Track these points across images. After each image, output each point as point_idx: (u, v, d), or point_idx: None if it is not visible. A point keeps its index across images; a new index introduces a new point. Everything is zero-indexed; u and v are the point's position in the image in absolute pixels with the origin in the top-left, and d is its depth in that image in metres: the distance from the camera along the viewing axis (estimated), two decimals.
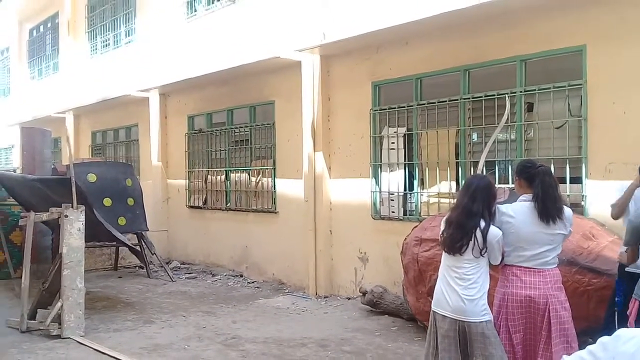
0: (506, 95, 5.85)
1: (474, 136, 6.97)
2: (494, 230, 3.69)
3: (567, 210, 3.87)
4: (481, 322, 3.57)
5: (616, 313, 4.30)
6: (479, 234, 3.61)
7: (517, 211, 3.80)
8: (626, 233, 4.04)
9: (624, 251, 4.28)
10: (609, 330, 4.24)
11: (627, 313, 3.98)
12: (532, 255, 3.74)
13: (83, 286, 6.14)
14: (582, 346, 4.95)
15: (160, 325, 6.63)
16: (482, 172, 4.93)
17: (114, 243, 9.32)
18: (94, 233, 6.35)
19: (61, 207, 6.16)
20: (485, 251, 3.63)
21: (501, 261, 3.78)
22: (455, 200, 3.95)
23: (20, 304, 6.30)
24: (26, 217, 6.51)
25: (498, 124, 6.60)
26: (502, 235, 3.71)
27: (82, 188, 6.41)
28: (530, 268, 3.74)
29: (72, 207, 6.17)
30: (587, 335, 5.17)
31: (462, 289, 3.61)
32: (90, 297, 7.73)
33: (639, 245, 3.98)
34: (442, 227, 3.83)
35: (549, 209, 3.71)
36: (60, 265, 6.05)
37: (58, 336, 5.95)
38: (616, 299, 4.35)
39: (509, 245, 3.74)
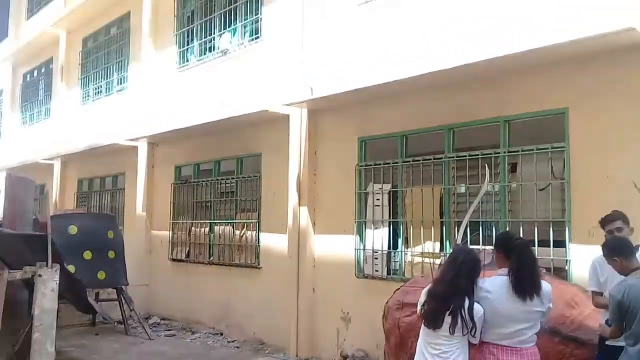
0: (486, 165, 5.76)
1: (462, 188, 6.87)
2: (477, 307, 3.56)
3: (545, 286, 3.75)
4: None
5: None
6: (465, 312, 3.47)
7: (493, 286, 3.68)
8: (610, 310, 3.89)
9: (604, 323, 4.14)
10: None
11: None
12: (509, 333, 3.60)
13: (53, 351, 5.89)
14: None
15: None
16: (461, 239, 4.83)
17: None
18: (63, 293, 6.15)
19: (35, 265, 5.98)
20: (474, 330, 3.49)
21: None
22: (439, 271, 3.84)
23: None
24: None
25: (482, 183, 6.56)
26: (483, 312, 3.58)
27: (57, 247, 6.23)
28: (507, 347, 3.60)
29: (47, 265, 5.98)
30: None
31: None
32: (63, 359, 7.43)
33: (623, 322, 3.82)
34: (423, 299, 3.70)
35: (524, 284, 3.60)
36: (31, 328, 5.82)
37: None
38: None
39: (485, 321, 3.60)
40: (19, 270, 6.10)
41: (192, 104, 10.35)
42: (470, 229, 6.56)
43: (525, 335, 3.62)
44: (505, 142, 6.33)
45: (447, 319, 3.51)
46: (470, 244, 6.44)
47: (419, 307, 3.74)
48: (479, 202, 5.50)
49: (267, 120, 8.90)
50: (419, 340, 3.71)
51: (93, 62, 14.39)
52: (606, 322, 4.21)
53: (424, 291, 3.75)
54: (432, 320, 3.57)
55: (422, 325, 3.67)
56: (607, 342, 4.14)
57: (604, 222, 4.51)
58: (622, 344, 3.96)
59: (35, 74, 18.10)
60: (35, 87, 17.95)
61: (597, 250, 4.71)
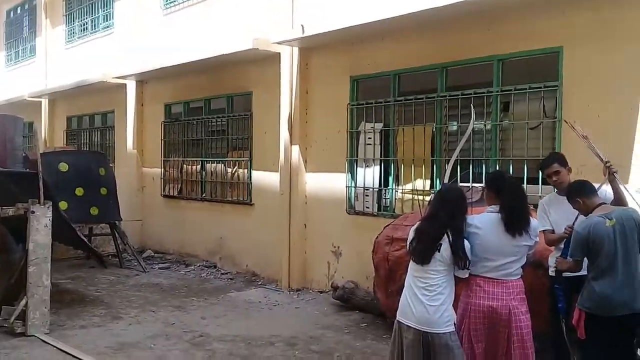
0: (471, 106, 5.76)
1: (454, 127, 6.91)
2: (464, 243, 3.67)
3: (533, 221, 3.86)
4: (445, 333, 3.56)
5: (563, 323, 4.30)
6: (446, 246, 3.58)
7: (483, 222, 3.78)
8: (573, 245, 4.03)
9: (561, 257, 4.29)
10: (559, 339, 4.29)
11: (573, 323, 3.99)
12: (496, 266, 3.73)
13: (49, 283, 6.03)
14: (545, 347, 4.98)
15: (128, 321, 6.55)
16: (449, 177, 4.91)
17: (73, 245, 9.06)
18: (55, 232, 6.21)
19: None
20: (462, 263, 3.60)
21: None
22: (427, 208, 3.91)
23: None
24: None
25: (470, 119, 6.60)
26: (470, 247, 3.68)
27: (48, 184, 6.24)
28: (494, 279, 3.74)
29: (39, 202, 6.02)
30: (546, 336, 5.25)
31: (427, 299, 3.59)
32: (59, 290, 7.62)
33: (584, 257, 3.98)
34: (411, 236, 3.80)
35: (515, 222, 3.71)
36: (27, 262, 5.92)
37: (22, 334, 5.82)
38: (559, 304, 4.35)
39: (475, 255, 3.73)
40: (11, 207, 6.13)
41: (181, 41, 10.16)
42: (460, 167, 6.66)
43: (511, 269, 3.75)
44: (499, 81, 6.33)
45: (432, 253, 3.61)
46: (460, 182, 6.54)
47: (407, 244, 3.84)
48: (466, 141, 5.56)
49: (258, 59, 8.79)
50: (407, 276, 3.81)
51: None
52: (561, 254, 4.37)
53: (412, 229, 3.83)
54: (419, 256, 3.66)
55: (411, 261, 3.77)
56: (564, 274, 4.31)
57: (542, 167, 4.72)
58: (578, 274, 4.13)
59: (18, 10, 17.54)
60: (20, 25, 17.43)
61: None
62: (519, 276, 3.88)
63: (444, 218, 3.66)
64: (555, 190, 4.77)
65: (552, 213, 4.59)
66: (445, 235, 3.62)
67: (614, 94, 5.44)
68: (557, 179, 4.59)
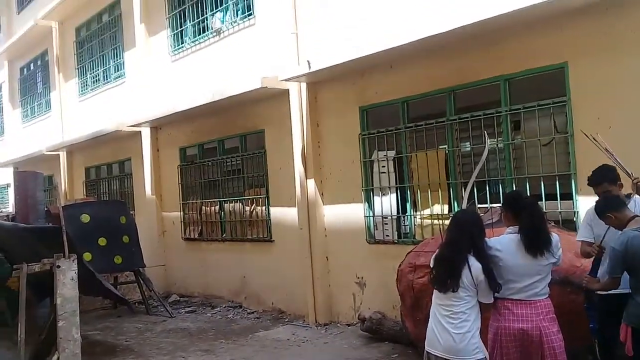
0: (485, 132, 5.76)
1: (466, 147, 6.93)
2: (477, 264, 3.67)
3: (554, 238, 3.85)
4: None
5: (596, 343, 4.25)
6: (466, 272, 3.58)
7: (503, 244, 3.79)
8: (610, 262, 3.97)
9: (589, 275, 4.25)
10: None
11: (621, 339, 3.94)
12: (522, 287, 3.72)
13: (79, 336, 6.07)
14: None
15: None
16: (467, 200, 4.93)
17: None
18: (81, 285, 6.29)
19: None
20: (475, 288, 3.61)
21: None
22: (444, 235, 3.92)
23: (18, 355, 6.24)
24: (19, 268, 6.44)
25: (484, 143, 6.63)
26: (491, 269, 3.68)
27: (71, 237, 6.35)
28: (521, 300, 3.72)
29: (64, 256, 6.12)
30: (586, 352, 5.16)
31: (452, 327, 3.58)
32: (88, 342, 7.67)
33: (622, 273, 3.94)
34: (432, 264, 3.81)
35: (535, 242, 3.71)
36: (55, 317, 5.99)
37: None
38: (590, 325, 4.30)
39: (499, 277, 3.72)
40: (37, 263, 6.24)
41: (192, 86, 10.40)
42: (477, 188, 6.68)
43: (538, 288, 3.74)
44: (507, 101, 6.38)
45: (454, 279, 3.60)
46: (478, 204, 6.55)
47: (429, 273, 3.86)
48: (483, 164, 5.58)
49: (267, 97, 8.94)
50: (432, 305, 3.81)
51: (88, 51, 14.34)
52: (589, 273, 4.32)
53: (432, 257, 3.85)
54: (441, 283, 3.66)
55: (434, 290, 3.77)
56: (600, 292, 4.25)
57: (590, 184, 4.54)
58: (619, 291, 4.07)
59: (31, 67, 18.08)
60: (33, 80, 17.94)
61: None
62: (547, 295, 3.86)
63: (463, 243, 3.66)
64: None
65: (594, 226, 4.44)
66: (466, 261, 3.62)
67: (622, 104, 5.45)
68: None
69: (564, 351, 3.75)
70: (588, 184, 4.57)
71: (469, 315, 3.60)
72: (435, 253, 3.82)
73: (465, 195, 4.99)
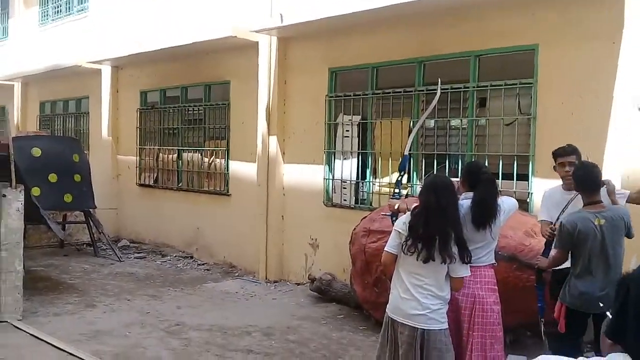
0: (438, 79, 5.62)
1: (431, 122, 6.98)
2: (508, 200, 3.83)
3: (508, 202, 3.93)
4: (441, 329, 3.54)
5: (542, 322, 4.41)
6: (452, 241, 3.52)
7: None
8: (559, 237, 4.06)
9: (542, 256, 4.39)
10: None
11: (555, 316, 4.10)
12: None
13: (22, 269, 5.95)
14: (519, 339, 5.10)
15: (103, 309, 6.51)
16: (409, 150, 4.84)
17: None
18: (27, 213, 6.13)
19: None
20: (455, 258, 3.50)
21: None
22: (417, 202, 3.70)
23: None
24: None
25: (450, 117, 6.70)
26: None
27: (20, 168, 6.15)
28: None
29: (11, 186, 5.93)
30: (524, 328, 5.38)
31: (423, 297, 3.51)
32: (32, 277, 7.52)
33: (569, 250, 4.06)
34: (404, 231, 3.58)
35: (482, 217, 3.75)
36: None
37: None
38: (538, 305, 4.45)
39: None
40: None
41: (158, 28, 10.02)
42: (436, 162, 6.76)
43: (479, 255, 3.77)
44: (475, 77, 6.42)
45: (437, 251, 3.47)
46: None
47: (397, 240, 3.61)
48: (424, 121, 5.62)
49: (236, 47, 8.75)
50: (397, 270, 3.65)
51: None
52: (542, 253, 4.46)
53: (404, 222, 3.62)
54: (424, 253, 3.47)
55: (405, 256, 3.56)
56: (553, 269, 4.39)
57: (559, 154, 4.55)
58: (561, 268, 4.21)
59: None
60: None
61: (557, 184, 4.95)
62: (489, 264, 3.90)
63: (444, 211, 3.52)
64: (562, 185, 4.59)
65: (553, 207, 4.50)
66: (447, 228, 3.51)
67: (587, 91, 5.56)
68: (570, 171, 4.38)
69: (497, 322, 3.81)
70: (554, 153, 4.59)
71: (446, 285, 3.58)
72: (410, 220, 3.59)
73: (409, 140, 4.95)
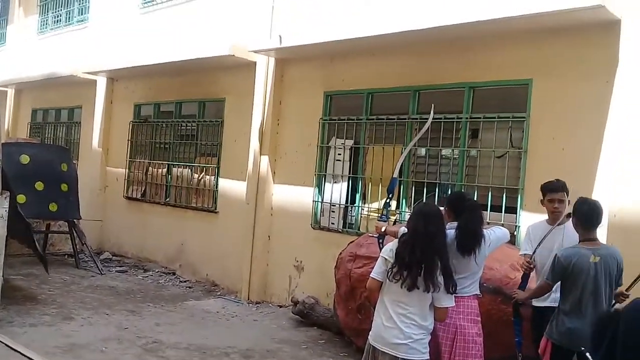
0: (432, 105, 5.60)
1: (422, 151, 7.00)
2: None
3: (484, 248, 3.88)
4: (422, 359, 3.51)
5: (520, 357, 4.36)
6: (438, 271, 3.50)
7: None
8: (551, 268, 4.00)
9: (518, 289, 4.36)
10: None
11: (540, 352, 4.04)
12: None
13: (1, 278, 5.83)
14: None
15: (80, 322, 6.37)
16: (398, 173, 4.85)
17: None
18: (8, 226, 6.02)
19: None
20: (440, 287, 3.49)
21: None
22: (406, 230, 3.69)
23: None
24: None
25: (442, 146, 6.71)
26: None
27: (6, 173, 6.07)
28: None
29: None
30: None
31: (405, 326, 3.48)
32: (10, 286, 7.38)
33: (557, 283, 4.03)
34: (390, 258, 3.56)
35: (466, 242, 3.75)
36: None
37: None
38: (516, 339, 4.40)
39: None
40: None
41: (157, 42, 10.07)
42: (426, 190, 6.76)
43: (463, 285, 3.76)
44: (468, 108, 6.45)
45: (421, 279, 3.44)
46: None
47: (383, 267, 3.59)
48: (414, 145, 5.74)
49: (233, 66, 8.77)
50: (382, 298, 3.61)
51: None
52: (519, 286, 4.42)
53: (390, 250, 3.61)
54: (409, 281, 3.45)
55: (390, 284, 3.55)
56: (534, 303, 4.36)
57: (549, 189, 4.53)
58: (547, 304, 4.19)
59: None
60: None
61: (545, 218, 4.94)
62: (473, 295, 3.88)
63: (432, 240, 3.50)
64: (547, 219, 4.56)
65: (534, 242, 4.48)
66: (433, 257, 3.48)
67: (578, 128, 5.60)
68: (559, 207, 4.42)
69: (479, 354, 3.79)
70: (542, 188, 4.57)
71: (429, 315, 3.53)
72: (397, 247, 3.58)
73: (399, 163, 4.95)
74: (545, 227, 4.51)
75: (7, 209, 5.90)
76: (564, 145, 5.67)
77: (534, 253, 4.34)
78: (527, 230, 4.76)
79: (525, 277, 4.36)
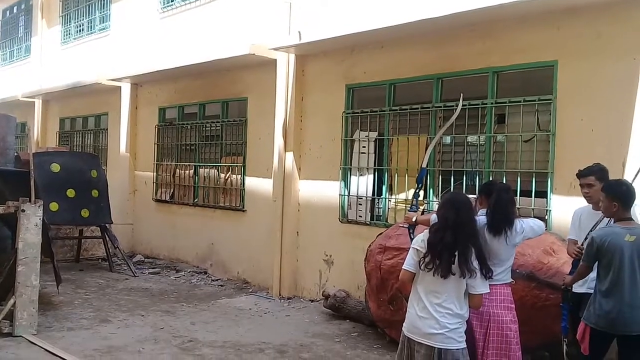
0: (461, 94, 5.62)
1: (447, 139, 6.94)
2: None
3: (518, 223, 3.86)
4: (458, 349, 3.47)
5: (565, 342, 4.30)
6: (471, 257, 3.48)
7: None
8: (587, 250, 3.98)
9: (570, 274, 4.30)
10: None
11: (577, 337, 3.98)
12: None
13: (38, 283, 5.96)
14: None
15: (117, 324, 6.49)
16: (427, 163, 4.84)
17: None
18: None
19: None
20: (476, 272, 3.47)
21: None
22: (436, 219, 3.67)
23: None
24: None
25: (468, 133, 6.64)
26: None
27: (38, 184, 6.20)
28: None
29: (30, 201, 5.97)
30: (543, 349, 5.24)
31: (441, 316, 3.45)
32: (48, 291, 7.54)
33: (594, 264, 3.97)
34: (422, 249, 3.55)
35: (496, 221, 3.73)
36: (16, 261, 5.86)
37: (9, 334, 5.75)
38: (562, 324, 4.34)
39: None
40: (1, 205, 6.08)
41: (177, 45, 10.18)
42: (453, 178, 6.69)
43: (496, 271, 3.70)
44: (493, 93, 6.37)
45: (456, 266, 3.42)
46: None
47: (415, 258, 3.57)
48: (441, 135, 5.68)
49: (254, 65, 8.81)
50: (416, 289, 3.59)
51: None
52: (569, 273, 4.36)
53: (422, 240, 3.58)
54: (443, 269, 3.42)
55: (424, 273, 3.52)
56: (573, 290, 4.30)
57: (577, 175, 4.58)
58: (584, 290, 4.15)
59: (15, 10, 17.49)
60: (15, 24, 17.38)
61: (577, 201, 4.88)
62: (506, 282, 3.85)
63: (464, 227, 3.48)
64: (591, 205, 4.52)
65: (582, 227, 4.44)
66: (465, 244, 3.47)
67: (607, 108, 5.48)
68: (589, 192, 4.41)
69: (515, 342, 3.75)
70: (577, 174, 4.58)
71: (465, 303, 3.50)
72: (428, 237, 3.55)
73: (427, 153, 4.93)
74: (590, 212, 4.48)
75: (41, 217, 6.03)
76: (593, 127, 5.55)
77: (585, 239, 4.23)
78: (573, 214, 4.73)
79: (576, 264, 4.29)
